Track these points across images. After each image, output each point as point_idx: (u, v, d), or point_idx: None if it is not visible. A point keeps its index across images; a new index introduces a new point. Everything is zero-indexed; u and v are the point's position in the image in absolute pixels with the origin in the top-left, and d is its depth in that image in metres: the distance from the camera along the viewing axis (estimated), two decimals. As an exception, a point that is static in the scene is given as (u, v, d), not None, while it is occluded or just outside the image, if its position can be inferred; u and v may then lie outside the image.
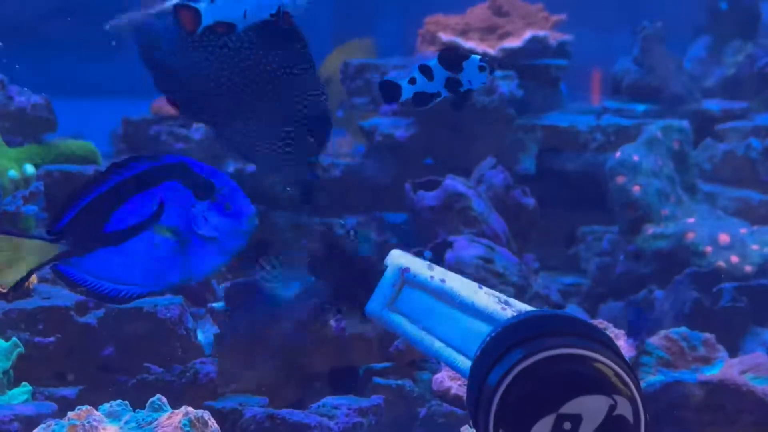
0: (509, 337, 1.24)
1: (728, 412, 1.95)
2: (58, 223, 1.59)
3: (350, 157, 3.76)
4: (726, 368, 2.02)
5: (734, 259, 2.79)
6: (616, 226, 3.09)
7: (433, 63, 1.74)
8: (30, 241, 1.53)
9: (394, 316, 1.43)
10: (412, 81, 1.74)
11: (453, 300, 1.42)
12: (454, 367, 1.41)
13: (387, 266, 1.45)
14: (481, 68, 1.73)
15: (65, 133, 3.22)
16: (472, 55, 1.74)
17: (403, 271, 1.43)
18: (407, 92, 1.75)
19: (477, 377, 1.23)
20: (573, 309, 2.86)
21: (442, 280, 1.43)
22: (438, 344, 1.42)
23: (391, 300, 1.44)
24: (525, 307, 1.49)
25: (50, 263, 1.61)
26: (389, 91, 1.76)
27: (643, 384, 1.95)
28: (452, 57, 1.74)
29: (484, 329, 1.34)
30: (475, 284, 1.47)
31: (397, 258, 1.46)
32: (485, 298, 1.43)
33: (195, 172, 1.57)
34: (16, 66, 3.14)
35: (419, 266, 1.44)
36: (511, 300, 1.51)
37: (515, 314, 1.38)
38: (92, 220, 1.58)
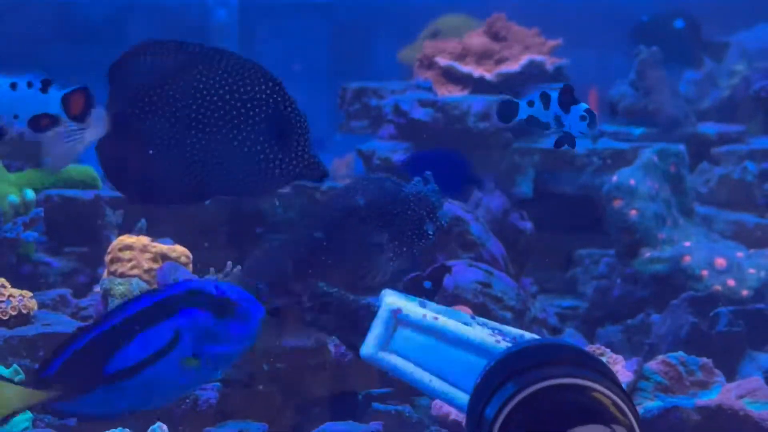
0: (507, 369, 1.25)
1: (726, 437, 1.96)
2: (46, 370, 1.50)
3: (349, 179, 3.78)
4: (723, 393, 2.02)
5: (731, 282, 2.80)
6: (613, 250, 3.10)
7: (554, 94, 1.77)
8: (14, 387, 1.46)
9: (389, 357, 1.44)
10: (530, 104, 1.77)
11: (447, 337, 1.43)
12: (453, 403, 1.42)
13: (379, 307, 1.47)
14: (582, 118, 1.77)
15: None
16: (581, 103, 1.77)
17: (396, 312, 1.45)
18: (523, 113, 1.77)
19: (475, 409, 1.24)
20: (570, 333, 2.87)
21: (435, 318, 1.44)
22: (436, 382, 1.43)
23: (386, 341, 1.45)
24: (518, 333, 1.51)
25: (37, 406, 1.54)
26: (507, 109, 1.78)
27: (640, 410, 1.96)
28: (570, 95, 1.77)
29: (479, 363, 1.35)
30: (468, 316, 1.48)
31: (389, 298, 1.48)
32: (479, 331, 1.44)
33: (210, 293, 1.54)
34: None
35: (411, 306, 1.46)
36: (505, 328, 1.52)
37: (509, 344, 1.39)
38: (90, 363, 1.49)
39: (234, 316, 1.51)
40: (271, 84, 1.69)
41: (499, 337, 1.48)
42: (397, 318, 1.46)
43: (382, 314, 1.48)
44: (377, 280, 1.81)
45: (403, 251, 1.86)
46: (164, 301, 1.50)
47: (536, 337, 1.51)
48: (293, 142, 1.67)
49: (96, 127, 1.65)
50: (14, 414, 1.50)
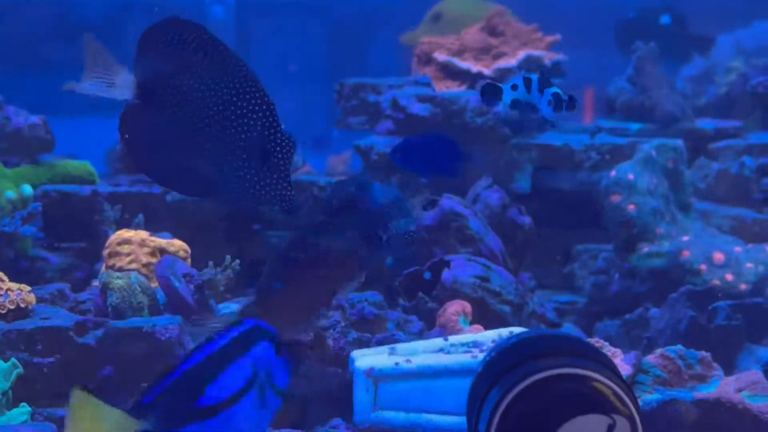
0: (506, 360, 1.25)
1: (724, 430, 1.96)
2: (146, 397, 1.41)
3: (347, 175, 3.78)
4: (722, 386, 2.02)
5: (729, 277, 2.80)
6: (611, 245, 3.10)
7: (534, 77, 1.83)
8: (111, 409, 1.42)
9: (383, 415, 1.45)
10: (514, 87, 1.82)
11: (426, 373, 1.45)
12: (460, 429, 1.42)
13: (353, 373, 1.48)
14: (549, 102, 1.80)
15: (59, 153, 3.23)
16: (554, 87, 1.81)
17: (369, 372, 1.46)
18: (507, 96, 1.80)
19: (476, 399, 1.24)
20: (569, 327, 2.87)
21: (408, 361, 1.46)
22: (437, 418, 1.44)
23: (373, 402, 1.47)
24: (494, 335, 1.52)
25: None
26: (491, 92, 1.83)
27: (639, 403, 1.96)
28: (545, 78, 1.83)
29: (466, 384, 1.34)
30: (438, 343, 1.51)
31: (359, 361, 1.49)
32: (453, 356, 1.46)
33: (269, 330, 1.53)
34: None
35: (382, 359, 1.47)
36: (480, 336, 1.54)
37: (480, 358, 1.39)
38: (183, 395, 1.43)
39: (281, 353, 1.50)
40: (267, 106, 1.69)
41: (476, 350, 1.50)
42: (372, 376, 1.48)
43: (358, 379, 1.50)
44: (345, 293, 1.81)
45: (361, 264, 1.82)
46: (240, 337, 1.49)
47: (519, 330, 1.52)
48: (274, 168, 1.67)
49: (123, 89, 1.66)
50: None
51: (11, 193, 2.69)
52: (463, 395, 1.31)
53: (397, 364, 1.50)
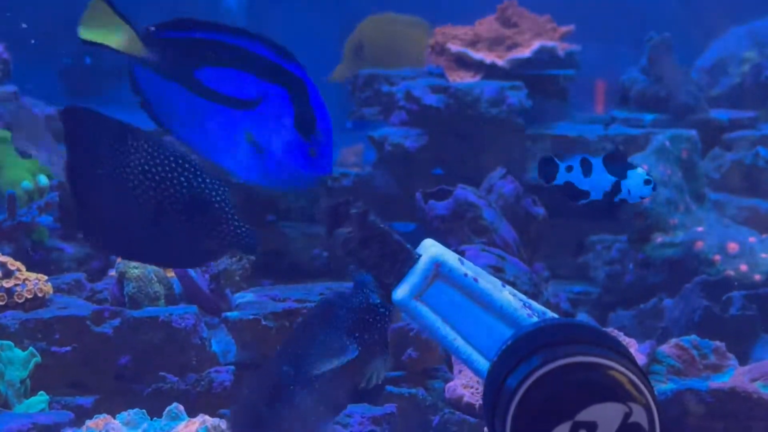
0: (527, 345, 1.26)
1: (739, 420, 1.96)
2: (161, 33, 1.46)
3: (359, 166, 3.78)
4: (736, 376, 2.03)
5: (743, 267, 2.80)
6: (625, 235, 3.10)
7: (596, 161, 1.75)
8: (125, 26, 1.44)
9: (421, 306, 1.41)
10: (569, 168, 1.75)
11: (483, 300, 1.40)
12: (472, 366, 1.41)
13: (420, 255, 1.42)
14: (647, 182, 1.75)
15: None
16: (639, 168, 1.76)
17: (438, 265, 1.41)
18: (561, 177, 1.76)
19: (494, 382, 1.25)
20: (582, 317, 2.87)
21: (475, 279, 1.41)
22: (460, 342, 1.41)
23: (421, 291, 1.42)
24: (543, 310, 1.50)
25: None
26: (547, 168, 1.77)
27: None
28: (618, 161, 1.75)
29: (506, 331, 1.34)
30: (499, 283, 1.46)
31: (431, 248, 1.44)
32: (512, 300, 1.43)
33: (307, 100, 1.49)
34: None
35: (453, 260, 1.42)
36: (533, 302, 1.52)
37: (536, 319, 1.39)
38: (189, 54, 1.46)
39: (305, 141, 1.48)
40: (181, 162, 1.61)
41: (529, 311, 1.47)
42: (438, 270, 1.42)
43: (423, 263, 1.43)
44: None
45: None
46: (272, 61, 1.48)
47: (556, 316, 1.50)
48: (214, 219, 1.61)
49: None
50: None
51: (28, 183, 2.71)
52: (495, 340, 1.31)
53: (465, 275, 1.44)
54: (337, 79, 4.01)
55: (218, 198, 1.59)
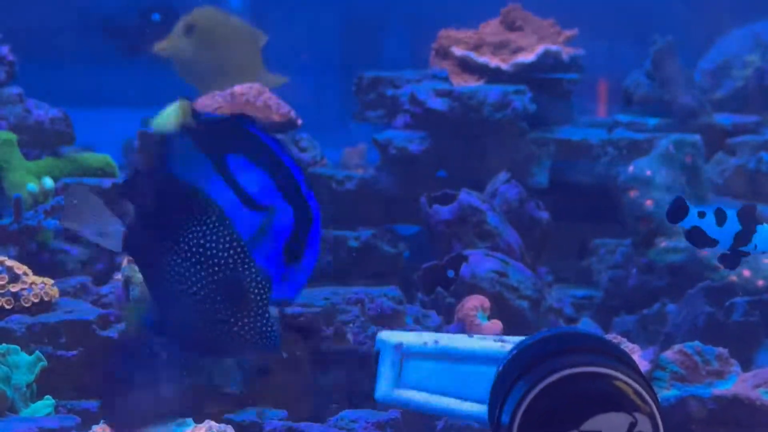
0: (529, 356, 1.27)
1: (742, 426, 1.97)
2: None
3: (363, 169, 3.79)
4: (740, 383, 2.03)
5: (747, 273, 2.81)
6: (628, 240, 3.11)
7: (730, 213, 1.75)
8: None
9: (404, 395, 1.45)
10: (702, 214, 1.74)
11: (454, 355, 1.44)
12: (479, 419, 1.43)
13: (379, 350, 1.47)
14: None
15: (77, 145, 3.25)
16: (766, 223, 1.75)
17: (398, 348, 1.46)
18: (691, 221, 1.74)
19: (499, 393, 1.26)
20: (586, 322, 2.88)
21: (436, 342, 1.46)
22: (456, 405, 1.45)
23: (397, 379, 1.46)
24: (520, 340, 1.52)
25: None
26: (677, 210, 1.74)
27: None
28: (751, 215, 1.75)
29: (491, 371, 1.35)
30: (465, 335, 1.51)
31: (388, 338, 1.49)
32: (483, 342, 1.46)
33: (306, 233, 1.50)
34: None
35: (410, 337, 1.47)
36: (504, 336, 1.54)
37: (514, 346, 1.39)
38: None
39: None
40: (236, 245, 1.53)
41: (501, 343, 1.49)
42: (402, 353, 1.47)
43: (385, 353, 1.49)
44: None
45: None
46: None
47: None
48: (248, 310, 1.53)
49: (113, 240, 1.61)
50: None
51: (33, 186, 2.71)
52: (486, 383, 1.32)
53: (425, 343, 1.49)
54: (160, 51, 3.91)
55: (256, 289, 1.53)
